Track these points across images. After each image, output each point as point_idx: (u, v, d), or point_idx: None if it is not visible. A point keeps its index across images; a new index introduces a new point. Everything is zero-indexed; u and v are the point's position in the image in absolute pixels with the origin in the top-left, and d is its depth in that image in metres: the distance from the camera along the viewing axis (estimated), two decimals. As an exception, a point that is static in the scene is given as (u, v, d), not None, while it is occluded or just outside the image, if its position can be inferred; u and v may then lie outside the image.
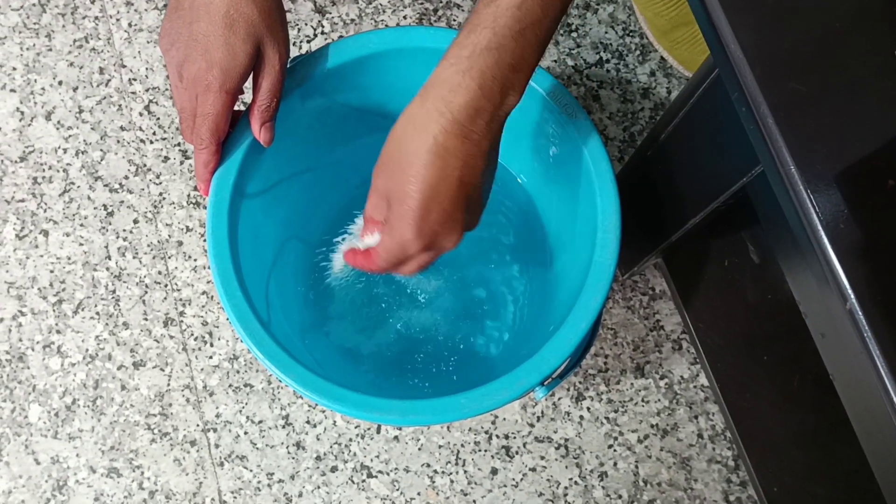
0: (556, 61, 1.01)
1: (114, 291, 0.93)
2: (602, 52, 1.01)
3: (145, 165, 0.97)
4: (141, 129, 0.97)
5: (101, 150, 0.97)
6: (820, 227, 0.45)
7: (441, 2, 1.02)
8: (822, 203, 0.45)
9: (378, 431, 0.91)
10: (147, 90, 0.98)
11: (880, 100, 0.46)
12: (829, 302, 0.47)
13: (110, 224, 0.95)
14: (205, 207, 0.87)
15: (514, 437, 0.91)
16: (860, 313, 0.44)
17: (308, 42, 1.00)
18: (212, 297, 0.93)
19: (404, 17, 1.01)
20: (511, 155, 0.83)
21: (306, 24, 1.01)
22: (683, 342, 0.94)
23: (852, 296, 0.45)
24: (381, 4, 1.01)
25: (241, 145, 0.67)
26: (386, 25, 1.00)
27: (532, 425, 0.91)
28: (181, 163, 0.97)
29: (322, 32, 1.01)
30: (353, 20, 1.01)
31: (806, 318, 0.57)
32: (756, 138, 0.48)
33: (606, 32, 1.02)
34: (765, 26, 0.47)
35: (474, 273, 0.85)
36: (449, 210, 0.52)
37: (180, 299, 0.93)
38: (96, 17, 1.00)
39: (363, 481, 0.90)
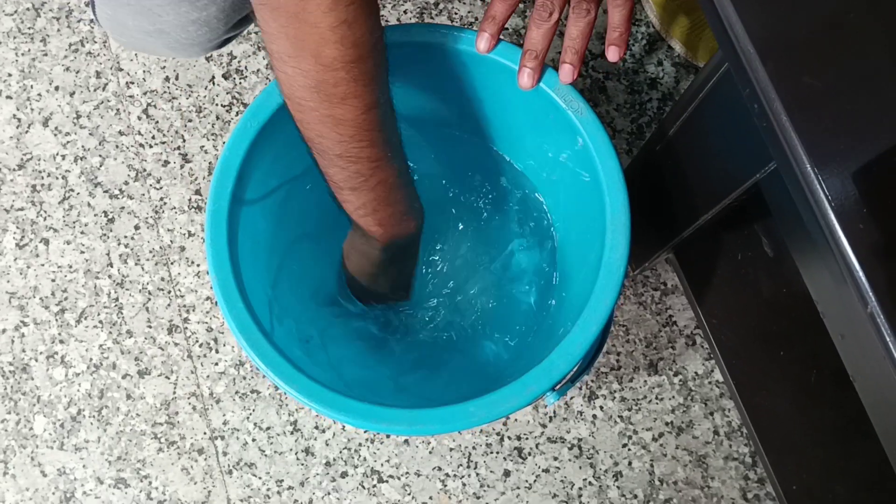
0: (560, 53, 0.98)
1: (116, 299, 0.92)
2: (607, 42, 0.98)
3: (145, 170, 0.95)
4: (140, 133, 0.96)
5: (100, 155, 0.95)
6: (838, 228, 0.43)
7: (442, -5, 0.99)
8: (840, 202, 0.43)
9: (388, 435, 0.89)
10: (145, 93, 0.97)
11: (899, 93, 0.44)
12: (848, 304, 0.45)
13: (111, 231, 0.93)
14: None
15: (527, 438, 0.90)
16: (882, 317, 0.42)
17: (307, 40, 0.98)
18: (216, 302, 0.92)
19: (405, 12, 0.99)
20: (516, 153, 0.81)
21: (305, 22, 0.99)
22: (697, 337, 0.92)
23: (874, 299, 0.43)
24: (380, -1, 0.99)
25: (238, 151, 0.65)
26: (386, 21, 0.98)
27: (544, 426, 0.90)
28: (181, 167, 0.95)
29: (321, 29, 0.98)
30: (352, 16, 0.99)
31: (824, 318, 0.55)
32: (769, 136, 0.46)
33: (611, 22, 0.99)
34: (776, 18, 0.45)
35: (480, 273, 0.84)
36: None
37: (184, 305, 0.92)
38: (91, 20, 0.99)
39: (374, 486, 0.88)
